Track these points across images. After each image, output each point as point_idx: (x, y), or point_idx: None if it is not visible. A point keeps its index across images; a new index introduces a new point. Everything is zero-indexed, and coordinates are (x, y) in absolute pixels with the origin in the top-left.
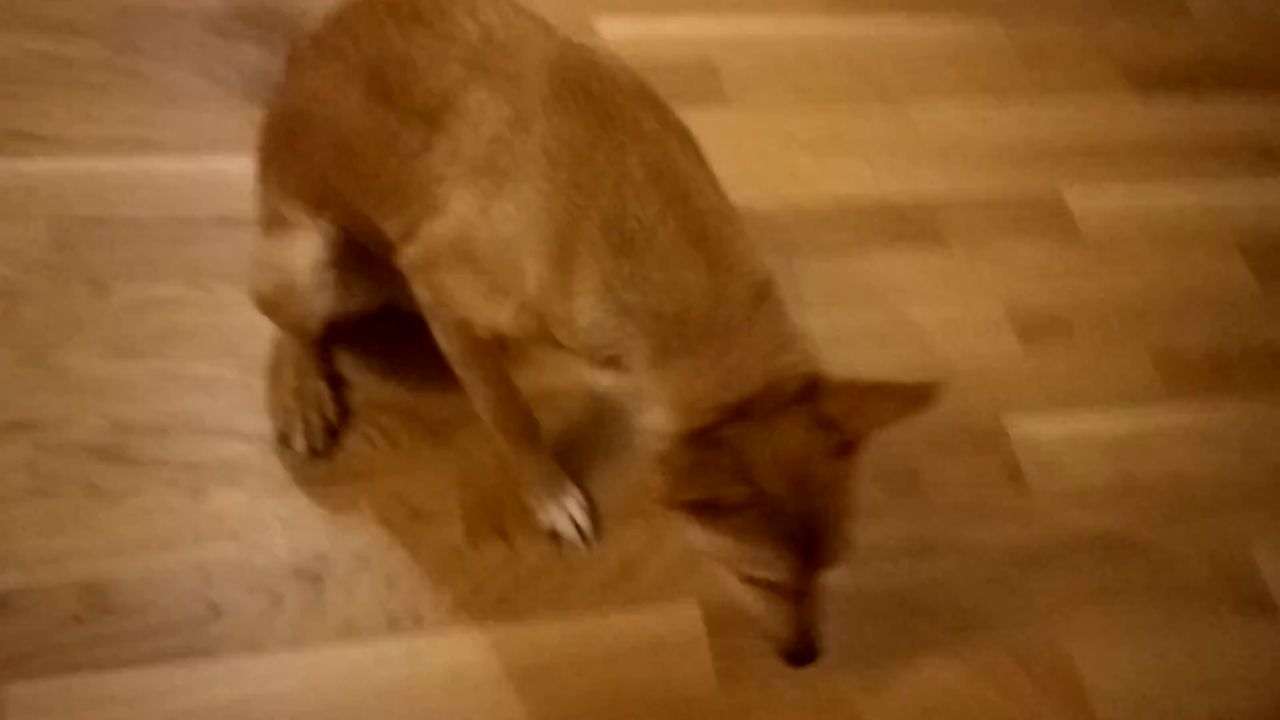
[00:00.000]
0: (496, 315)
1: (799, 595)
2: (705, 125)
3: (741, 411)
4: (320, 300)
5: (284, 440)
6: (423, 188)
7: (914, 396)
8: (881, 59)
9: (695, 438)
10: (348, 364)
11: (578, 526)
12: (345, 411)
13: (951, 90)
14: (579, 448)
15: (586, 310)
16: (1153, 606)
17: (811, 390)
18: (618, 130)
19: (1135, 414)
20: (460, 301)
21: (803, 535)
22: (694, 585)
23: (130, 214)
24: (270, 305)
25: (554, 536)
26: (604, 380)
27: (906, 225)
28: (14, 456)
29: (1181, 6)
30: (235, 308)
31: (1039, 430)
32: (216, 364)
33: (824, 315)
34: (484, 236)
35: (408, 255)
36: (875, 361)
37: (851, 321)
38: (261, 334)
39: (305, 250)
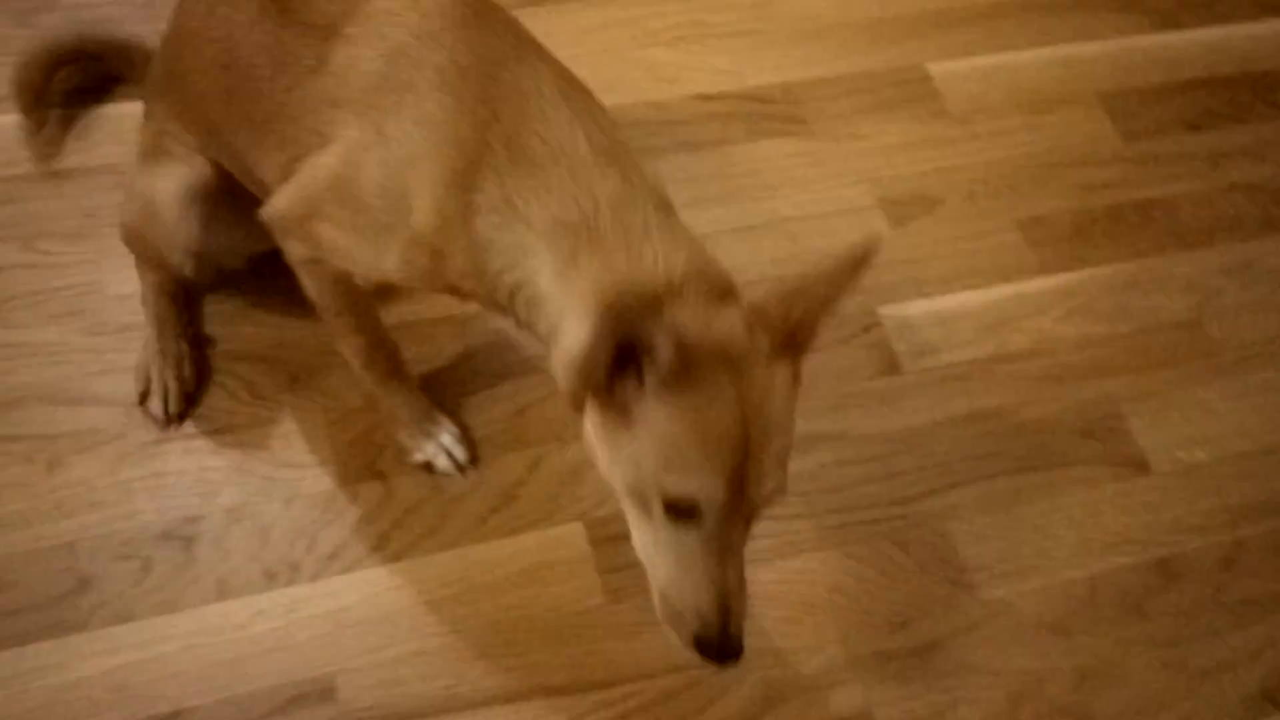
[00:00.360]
0: (381, 259)
1: (721, 547)
2: (559, 27)
3: (665, 298)
4: (182, 231)
5: (142, 401)
6: (312, 112)
7: (847, 267)
8: None
9: (616, 313)
10: (208, 314)
11: (453, 458)
12: (206, 373)
13: None
14: (450, 378)
15: (486, 230)
16: (1027, 477)
17: (735, 292)
18: (528, 48)
19: (1006, 288)
20: (340, 249)
21: (739, 448)
22: (576, 507)
23: None
24: (134, 235)
25: (430, 471)
26: (506, 324)
27: (769, 115)
28: None
29: None
30: (75, 267)
31: (911, 313)
32: (61, 329)
33: (689, 214)
34: (374, 163)
35: (279, 205)
36: (744, 258)
37: (720, 218)
38: (104, 292)
39: (175, 177)
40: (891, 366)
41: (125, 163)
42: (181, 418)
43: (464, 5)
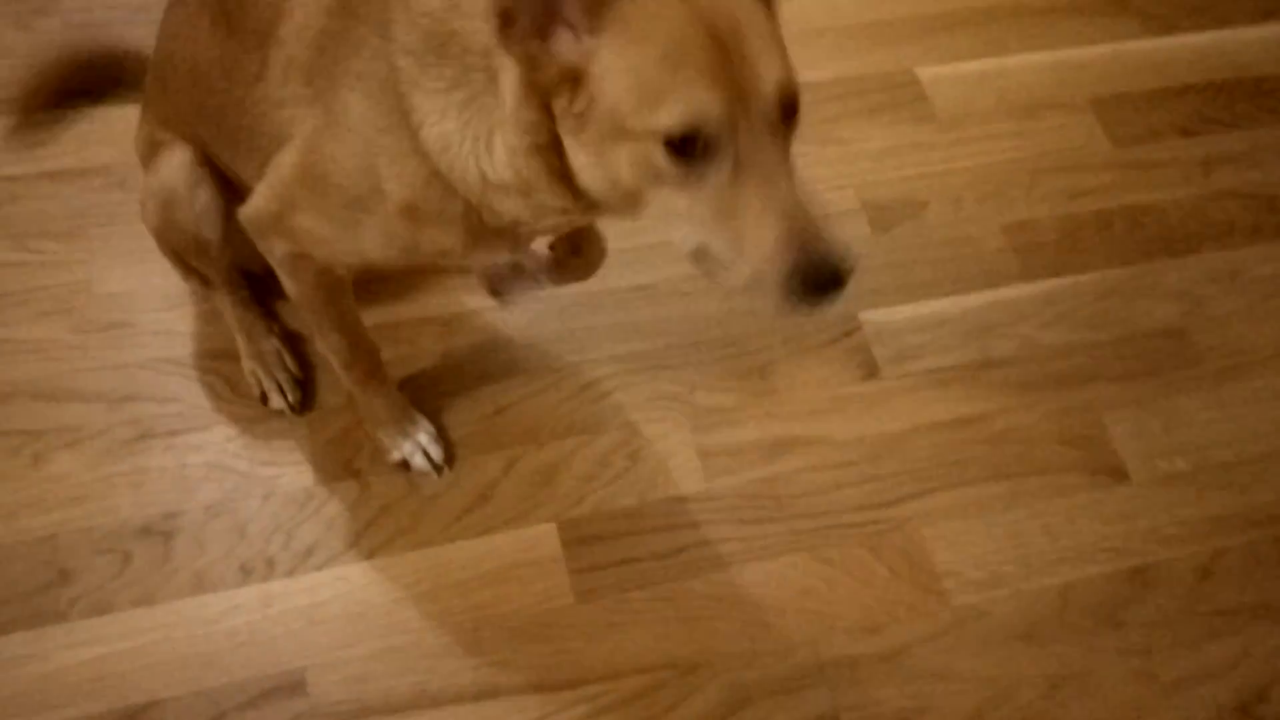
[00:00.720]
0: (361, 240)
1: (761, 168)
2: None
3: None
4: (200, 199)
5: (264, 402)
6: (265, 116)
7: None
8: None
9: None
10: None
11: (429, 458)
12: (307, 360)
13: None
14: (429, 379)
15: (433, 126)
16: (1004, 484)
17: None
18: None
19: (989, 294)
20: (319, 238)
21: (708, 43)
22: (550, 509)
23: None
24: (163, 232)
25: (407, 469)
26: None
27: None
28: None
29: None
30: (65, 265)
31: (893, 318)
32: (50, 326)
33: None
34: (331, 143)
35: (254, 204)
36: None
37: None
38: (92, 290)
39: (176, 157)
40: (871, 371)
41: (117, 164)
42: (304, 405)
43: None
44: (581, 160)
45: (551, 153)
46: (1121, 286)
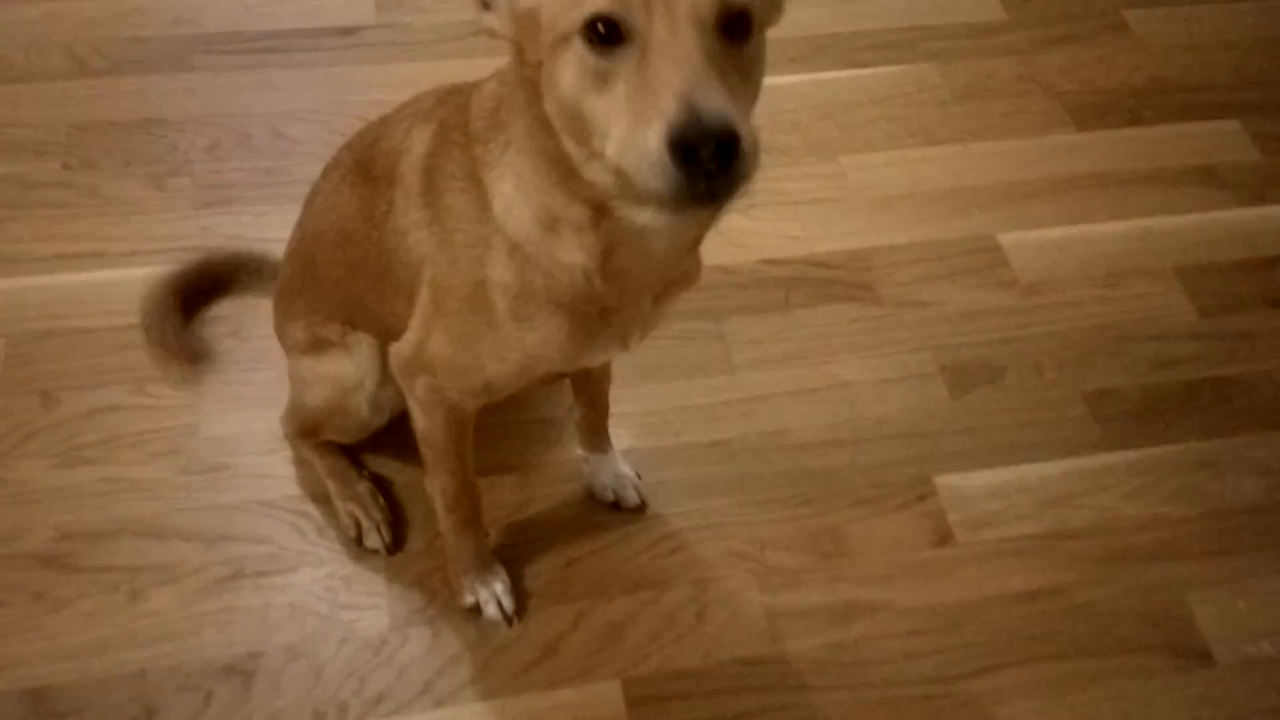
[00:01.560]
0: (481, 357)
1: (660, 44)
2: None
3: None
4: (372, 402)
5: (359, 543)
6: (397, 250)
7: None
8: (815, 111)
9: None
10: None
11: (502, 608)
12: (396, 502)
13: (884, 138)
14: (506, 527)
15: (500, 195)
16: (1080, 662)
17: None
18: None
19: (1068, 463)
20: (449, 364)
21: None
22: (615, 665)
23: (80, 325)
24: (317, 419)
25: (478, 615)
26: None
27: (835, 280)
28: None
29: (1123, 28)
30: (176, 410)
31: (968, 484)
32: (157, 467)
33: (753, 375)
34: (446, 251)
35: (404, 340)
36: (802, 422)
37: (780, 380)
38: (199, 434)
39: (359, 361)
40: (945, 537)
41: (232, 315)
42: (397, 543)
43: (442, 105)
44: (551, 107)
45: (547, 138)
46: (1207, 460)
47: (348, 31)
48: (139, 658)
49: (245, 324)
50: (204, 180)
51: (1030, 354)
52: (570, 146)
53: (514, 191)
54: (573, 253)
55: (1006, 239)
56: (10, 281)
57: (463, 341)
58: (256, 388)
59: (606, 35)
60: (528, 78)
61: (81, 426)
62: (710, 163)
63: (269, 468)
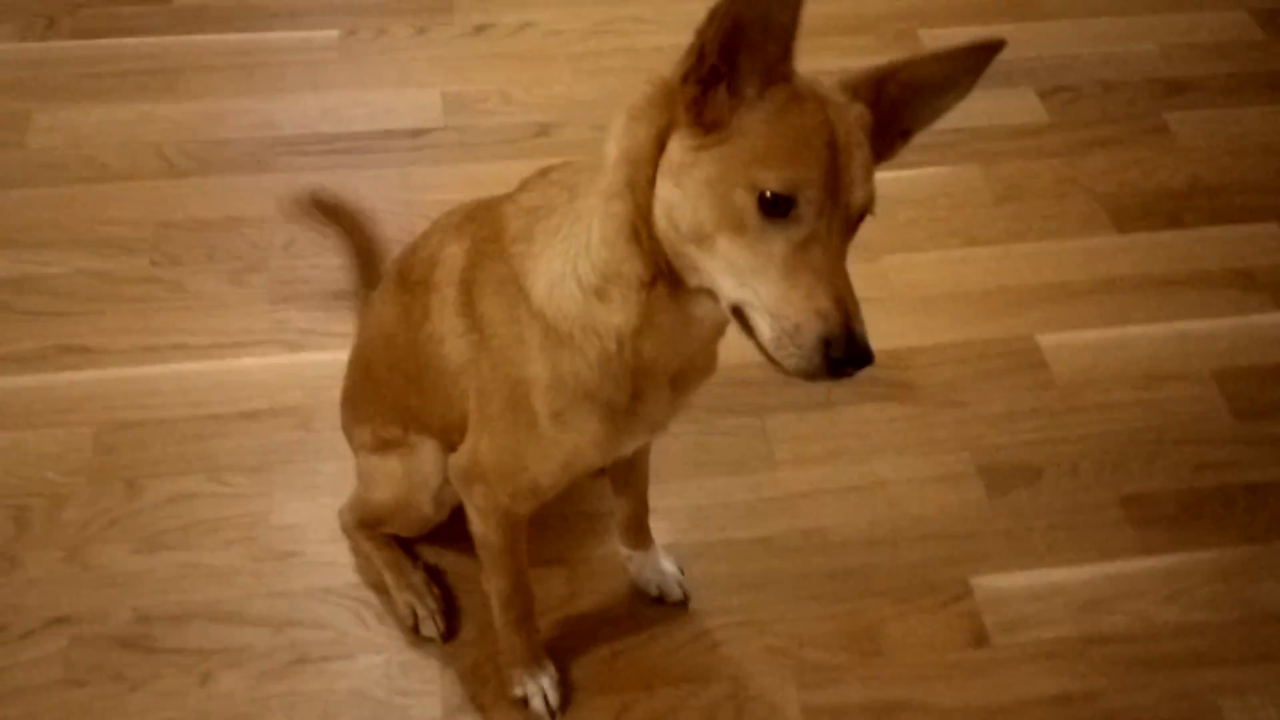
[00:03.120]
0: (527, 460)
1: (825, 247)
2: None
3: None
4: (435, 499)
5: (414, 630)
6: (435, 354)
7: (958, 54)
8: None
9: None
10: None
11: (548, 702)
12: (449, 592)
13: (927, 238)
14: (555, 618)
15: (540, 278)
16: None
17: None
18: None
19: (1104, 566)
20: (499, 469)
21: (829, 147)
22: None
23: (162, 415)
24: (381, 514)
25: (525, 706)
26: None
27: (875, 379)
28: (52, 649)
29: (1163, 130)
30: (249, 498)
31: (1004, 585)
32: (231, 553)
33: (795, 472)
34: (485, 355)
35: (460, 451)
36: (841, 519)
37: (821, 478)
38: (269, 522)
39: (427, 458)
40: (981, 638)
41: (303, 407)
42: (451, 631)
43: (471, 221)
44: (672, 201)
45: (641, 195)
46: (1244, 566)
47: (417, 134)
48: None
49: (314, 418)
50: (280, 276)
51: (1067, 455)
52: (673, 232)
53: (564, 264)
54: (615, 314)
55: (1046, 340)
56: (99, 373)
57: (508, 445)
58: (324, 477)
59: (774, 206)
60: (639, 171)
61: (162, 513)
62: (847, 371)
63: (334, 555)
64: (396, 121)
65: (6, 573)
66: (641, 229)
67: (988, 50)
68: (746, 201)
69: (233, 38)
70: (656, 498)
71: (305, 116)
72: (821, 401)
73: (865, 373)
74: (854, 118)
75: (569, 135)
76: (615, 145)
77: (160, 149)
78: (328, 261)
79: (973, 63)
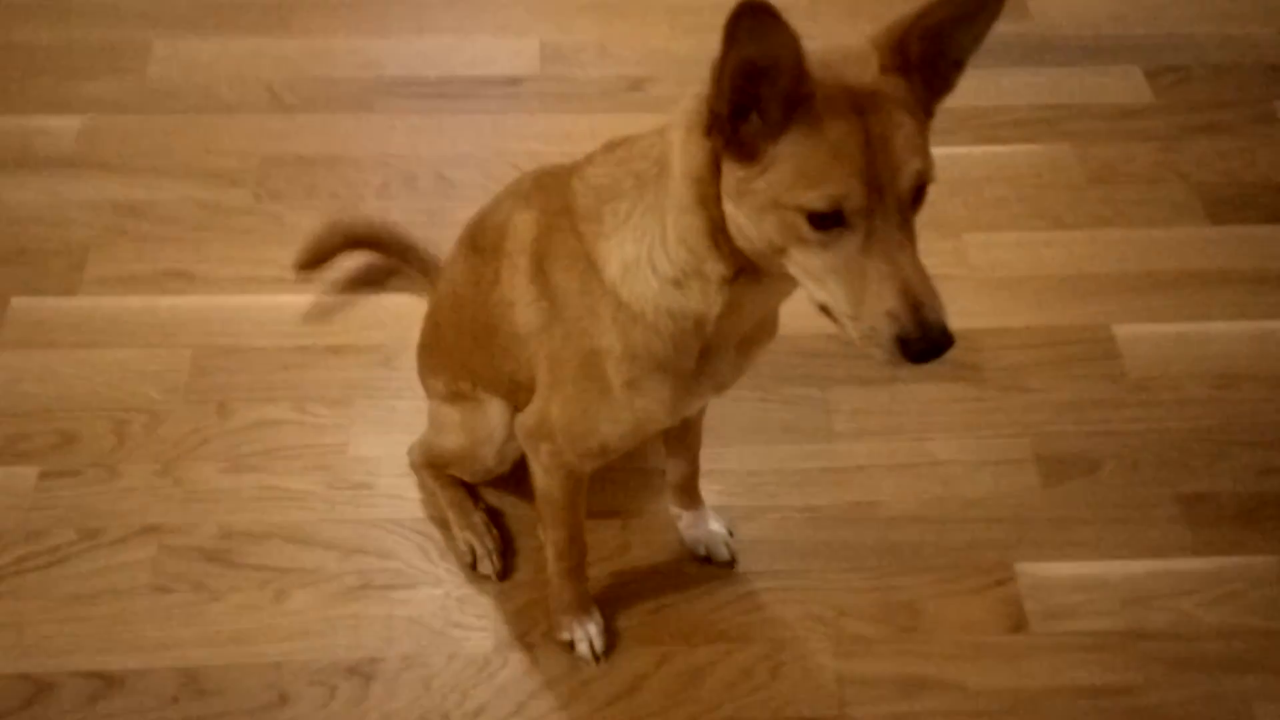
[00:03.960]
0: (598, 422)
1: (885, 244)
2: None
3: None
4: (499, 453)
5: (472, 567)
6: (503, 316)
7: None
8: (945, 187)
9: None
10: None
11: (593, 647)
12: (508, 532)
13: (1011, 219)
14: (604, 569)
15: (614, 261)
16: None
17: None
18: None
19: (1154, 563)
20: (568, 430)
21: (864, 148)
22: (693, 708)
23: (256, 344)
24: (448, 459)
25: (571, 650)
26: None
27: (944, 358)
28: (141, 555)
29: (1272, 119)
30: (329, 429)
31: (1048, 573)
32: (309, 480)
33: (852, 445)
34: (558, 325)
35: (528, 411)
36: (895, 494)
37: (877, 453)
38: (347, 453)
39: (494, 415)
40: (1019, 624)
41: (386, 344)
42: (506, 571)
43: (541, 190)
44: (740, 221)
45: (713, 207)
46: None
47: (513, 81)
48: (278, 651)
49: (395, 356)
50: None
51: (1130, 450)
52: (749, 247)
53: (638, 251)
54: (692, 301)
55: (1122, 330)
56: (200, 298)
57: (579, 409)
58: (400, 415)
59: (824, 221)
60: (705, 189)
61: (249, 436)
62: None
63: (403, 490)
64: (495, 68)
65: (105, 481)
66: (720, 238)
67: None
68: (798, 220)
69: None
70: (711, 460)
71: (408, 58)
72: (885, 377)
73: None
74: (885, 99)
75: (661, 91)
76: (679, 161)
77: (270, 84)
78: (417, 204)
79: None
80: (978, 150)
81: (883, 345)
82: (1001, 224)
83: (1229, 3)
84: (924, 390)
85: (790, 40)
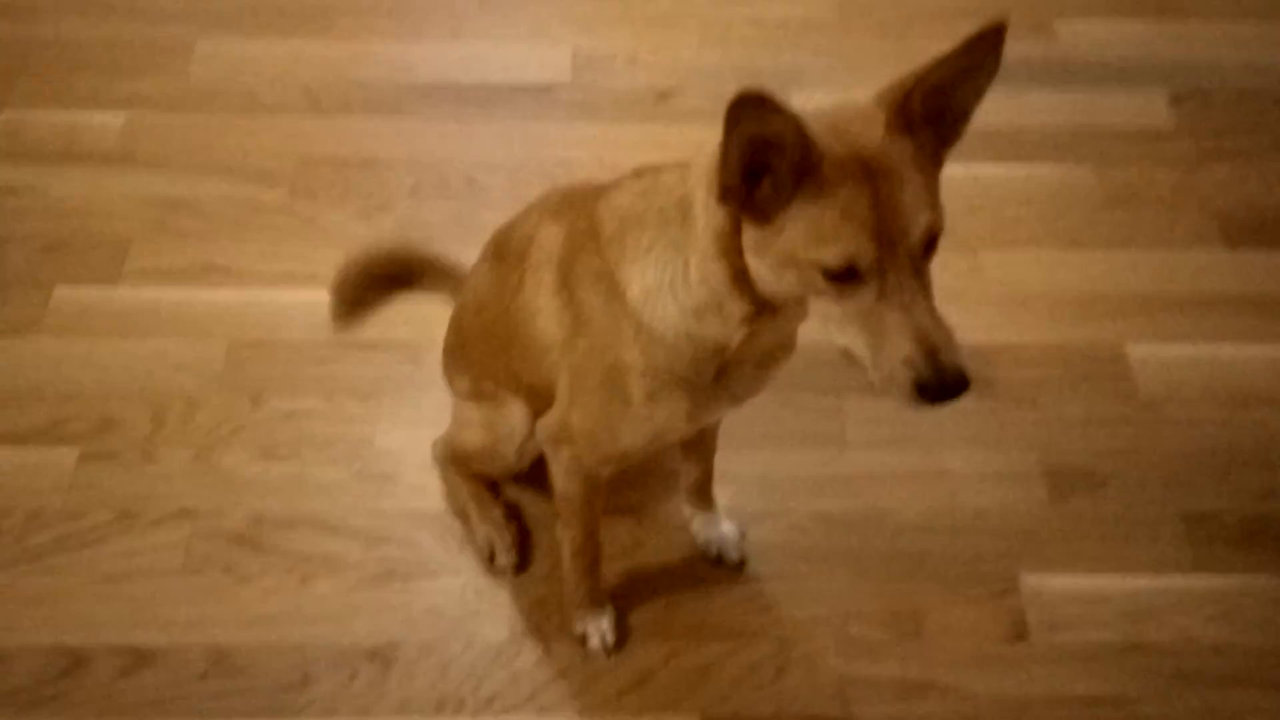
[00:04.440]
0: (618, 431)
1: (900, 295)
2: None
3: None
4: (519, 451)
5: (490, 560)
6: (525, 322)
7: (970, 45)
8: (965, 202)
9: (742, 105)
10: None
11: (604, 640)
12: (525, 529)
13: (1029, 238)
14: (619, 564)
15: (636, 286)
16: None
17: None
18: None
19: (1155, 579)
20: (589, 437)
21: (873, 205)
22: (699, 702)
23: (288, 337)
24: (470, 455)
25: (583, 643)
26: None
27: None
28: (175, 537)
29: None
30: (357, 421)
31: (1052, 585)
32: (337, 469)
33: (863, 454)
34: (581, 339)
35: (549, 417)
36: (904, 503)
37: (889, 462)
38: (374, 445)
39: (515, 415)
40: (1021, 633)
41: (413, 342)
42: (523, 564)
43: (569, 208)
44: (761, 273)
45: (736, 258)
46: None
47: (545, 89)
48: (302, 633)
49: (422, 352)
50: (404, 218)
51: (1137, 467)
52: (771, 294)
53: (659, 280)
54: (711, 330)
55: (1134, 350)
56: (236, 292)
57: (601, 418)
58: (425, 410)
59: (839, 277)
60: (728, 242)
61: (280, 426)
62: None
63: (426, 482)
64: (527, 76)
65: (142, 465)
66: (743, 283)
67: (994, 35)
68: (815, 275)
69: None
70: (726, 463)
71: (442, 64)
72: None
73: None
74: (893, 158)
75: (688, 103)
76: (702, 216)
77: (308, 86)
78: (447, 207)
79: (986, 48)
80: (999, 168)
81: (902, 391)
82: (1019, 242)
83: (1254, 30)
84: None
85: (789, 121)
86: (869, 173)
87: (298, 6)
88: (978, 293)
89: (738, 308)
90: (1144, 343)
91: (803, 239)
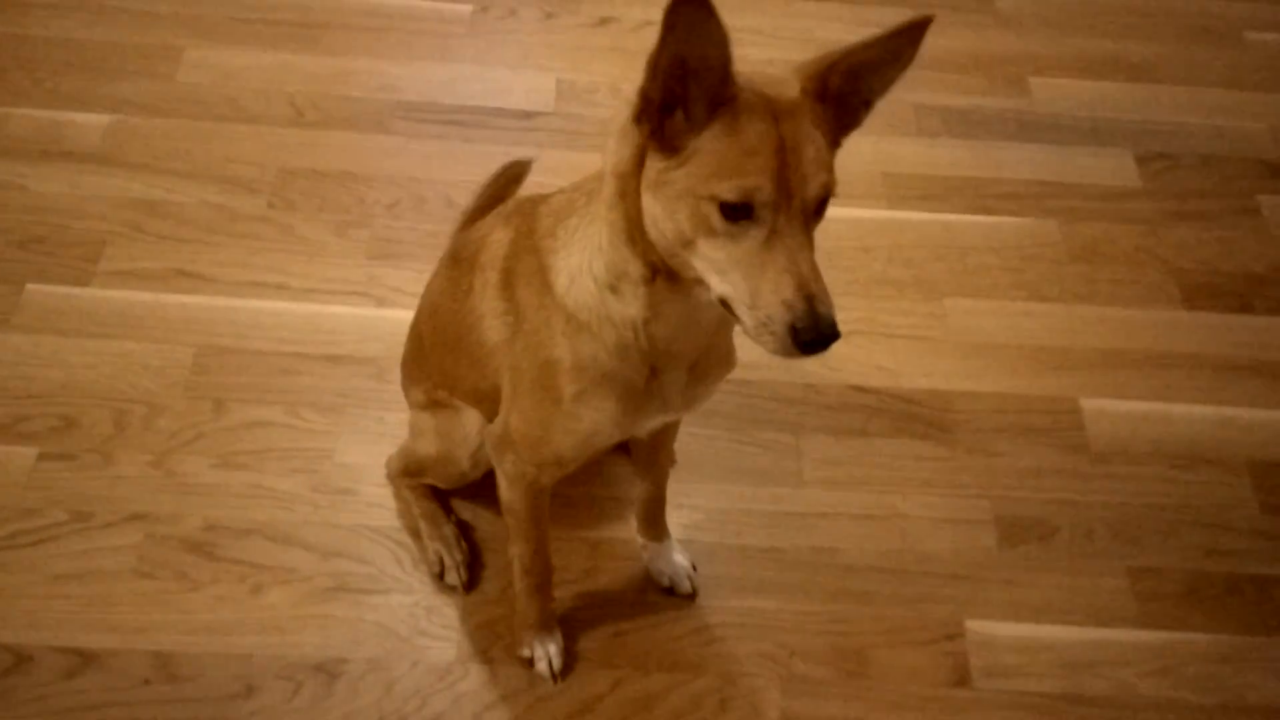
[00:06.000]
0: (552, 432)
1: (788, 243)
2: None
3: None
4: (473, 457)
5: (440, 576)
6: (474, 326)
7: (894, 33)
8: (932, 251)
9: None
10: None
11: (551, 666)
12: (475, 546)
13: (992, 286)
14: (569, 590)
15: (561, 272)
16: None
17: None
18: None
19: (1097, 632)
20: (526, 439)
21: (777, 153)
22: None
23: (256, 346)
24: (424, 464)
25: (529, 666)
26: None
27: (914, 416)
28: (128, 541)
29: (1254, 212)
30: (319, 434)
31: (996, 632)
32: (295, 481)
33: (819, 492)
34: (520, 338)
35: (497, 421)
36: (856, 543)
37: (843, 502)
38: (333, 459)
39: (469, 422)
40: (962, 679)
41: (381, 358)
42: (472, 583)
43: (518, 213)
44: (655, 212)
45: (634, 201)
46: (1235, 655)
47: (527, 115)
48: (249, 643)
49: (387, 370)
50: (380, 234)
51: (1085, 519)
52: (661, 239)
53: (581, 260)
54: (629, 306)
55: (1089, 404)
56: (206, 299)
57: (536, 419)
58: (387, 426)
59: (734, 212)
60: (626, 183)
61: (241, 435)
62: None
63: (383, 499)
64: (510, 101)
65: (100, 467)
66: (636, 234)
67: (918, 28)
68: (711, 210)
69: (375, 0)
70: (681, 495)
71: (427, 85)
72: (859, 430)
73: (903, 408)
74: (802, 115)
75: None
76: (608, 161)
77: (293, 99)
78: (424, 225)
79: (908, 39)
80: (967, 218)
81: (776, 332)
82: (983, 291)
83: (1222, 96)
84: (894, 445)
85: (722, 36)
86: (778, 119)
87: (288, 20)
88: (940, 338)
89: (634, 268)
90: (1099, 397)
91: (705, 171)
